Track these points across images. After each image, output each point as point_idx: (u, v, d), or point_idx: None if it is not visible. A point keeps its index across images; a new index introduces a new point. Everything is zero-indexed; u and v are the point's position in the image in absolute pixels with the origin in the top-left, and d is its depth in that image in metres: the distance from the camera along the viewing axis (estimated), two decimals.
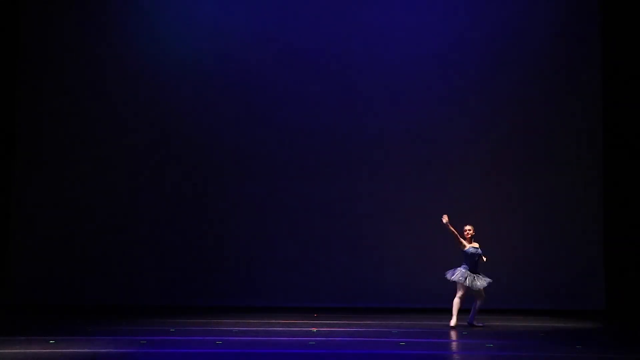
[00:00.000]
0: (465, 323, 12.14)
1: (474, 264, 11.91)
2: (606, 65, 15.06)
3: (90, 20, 15.40)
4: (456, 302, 11.91)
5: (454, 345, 10.57)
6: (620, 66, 14.91)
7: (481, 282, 11.90)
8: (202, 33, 15.36)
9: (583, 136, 15.13)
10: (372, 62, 15.27)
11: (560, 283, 14.84)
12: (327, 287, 14.97)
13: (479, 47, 15.26)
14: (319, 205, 15.13)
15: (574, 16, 15.27)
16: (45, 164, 15.24)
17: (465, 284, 11.79)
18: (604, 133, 15.02)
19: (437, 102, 15.21)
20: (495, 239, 14.57)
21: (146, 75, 15.31)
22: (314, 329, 11.57)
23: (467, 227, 12.02)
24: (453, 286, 12.03)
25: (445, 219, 11.86)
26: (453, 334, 11.31)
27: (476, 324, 12.06)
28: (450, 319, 11.90)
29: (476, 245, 12.02)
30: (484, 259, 12.06)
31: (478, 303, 12.03)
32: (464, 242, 11.94)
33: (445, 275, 12.03)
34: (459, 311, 11.95)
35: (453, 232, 11.89)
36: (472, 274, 11.89)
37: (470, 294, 12.03)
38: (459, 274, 11.88)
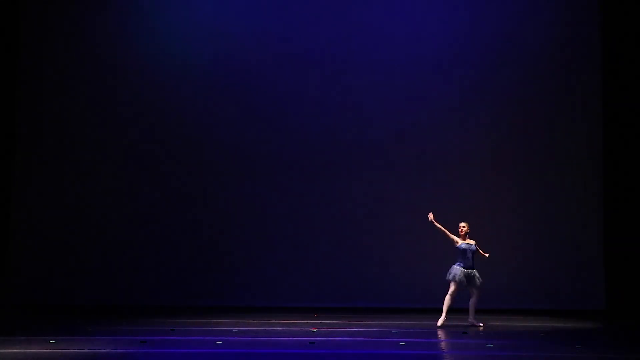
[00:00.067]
0: (460, 323, 12.17)
1: (467, 260, 11.92)
2: (606, 65, 15.06)
3: (90, 20, 15.40)
4: (447, 299, 11.95)
5: (454, 345, 10.56)
6: (620, 66, 14.91)
7: (478, 280, 11.90)
8: (202, 33, 15.36)
9: (583, 136, 15.13)
10: (372, 62, 15.27)
11: (560, 283, 14.85)
12: (327, 287, 14.97)
13: (479, 47, 15.26)
14: (319, 205, 15.14)
15: (574, 16, 15.27)
16: (45, 164, 15.24)
17: (463, 282, 11.81)
18: (604, 133, 15.02)
19: (437, 102, 15.21)
20: (495, 239, 14.58)
21: (146, 75, 15.32)
22: (314, 329, 11.57)
23: (462, 224, 12.07)
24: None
25: (430, 216, 12.00)
26: (449, 334, 11.30)
27: (476, 324, 12.07)
28: (439, 317, 11.98)
29: (470, 241, 12.02)
30: (486, 255, 12.08)
31: (474, 299, 12.02)
32: (455, 238, 11.99)
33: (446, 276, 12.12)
34: (448, 310, 11.97)
35: (440, 228, 11.99)
36: (468, 271, 11.88)
37: (463, 290, 12.05)
38: (454, 272, 11.90)
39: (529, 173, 15.08)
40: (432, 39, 15.27)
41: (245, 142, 15.24)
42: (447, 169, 15.06)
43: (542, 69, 15.19)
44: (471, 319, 12.13)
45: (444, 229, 12.04)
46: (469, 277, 11.91)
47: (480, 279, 12.01)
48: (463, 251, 11.94)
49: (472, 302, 12.10)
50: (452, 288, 11.92)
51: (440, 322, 11.94)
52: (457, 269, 11.92)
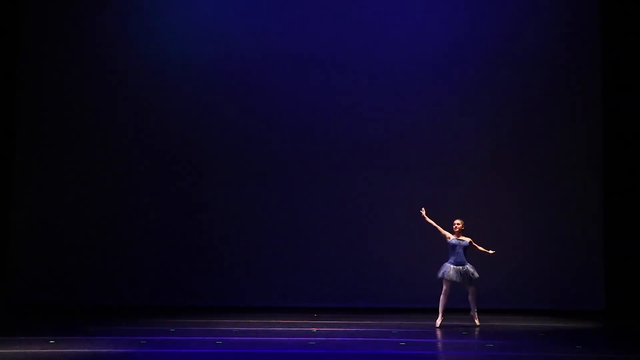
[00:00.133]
0: (460, 323, 12.18)
1: (457, 255, 11.90)
2: (606, 65, 15.05)
3: (91, 20, 15.40)
4: (441, 298, 11.94)
5: (454, 345, 10.56)
6: (620, 66, 14.91)
7: (471, 276, 11.83)
8: (202, 33, 15.36)
9: (583, 136, 15.13)
10: (372, 62, 15.27)
11: (560, 283, 14.84)
12: (327, 287, 14.97)
13: (479, 47, 15.26)
14: (319, 205, 15.14)
15: (574, 16, 15.27)
16: (45, 164, 15.23)
17: (455, 278, 11.78)
18: (604, 133, 15.02)
19: (437, 102, 15.20)
20: (495, 239, 14.53)
21: (146, 75, 15.32)
22: (314, 329, 11.57)
23: (456, 221, 12.08)
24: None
25: (422, 211, 12.10)
26: (449, 334, 11.30)
27: (474, 319, 12.01)
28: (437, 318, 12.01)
29: (464, 238, 11.98)
30: (489, 252, 12.03)
31: (471, 296, 11.97)
32: (447, 234, 12.00)
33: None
34: (447, 310, 11.96)
35: (431, 224, 12.06)
36: (459, 267, 11.85)
37: (460, 288, 12.04)
38: (443, 270, 11.91)
39: (529, 173, 15.08)
40: (432, 39, 15.27)
41: (245, 142, 15.24)
42: (447, 169, 15.06)
43: (542, 69, 15.18)
44: (472, 313, 12.10)
45: (435, 224, 12.10)
46: (460, 273, 11.85)
47: (474, 274, 11.88)
48: (452, 247, 11.97)
49: (470, 298, 12.05)
50: (444, 286, 11.94)
51: (438, 322, 11.94)
52: (446, 266, 11.94)
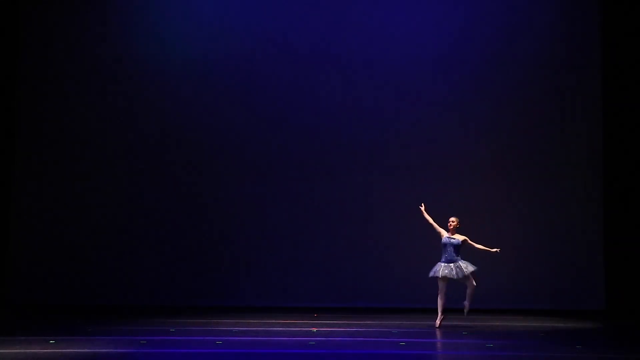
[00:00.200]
0: (460, 323, 12.20)
1: (448, 253, 11.85)
2: (606, 65, 15.05)
3: (91, 20, 15.41)
4: (439, 298, 11.89)
5: (454, 345, 10.56)
6: (620, 66, 14.91)
7: (464, 270, 11.76)
8: (203, 33, 15.37)
9: (583, 136, 15.13)
10: (372, 62, 15.27)
11: (560, 283, 14.84)
12: (327, 287, 14.97)
13: (479, 47, 15.26)
14: (319, 205, 15.14)
15: (574, 16, 15.27)
16: (45, 164, 15.24)
17: (447, 275, 11.74)
18: (604, 133, 15.02)
19: (437, 102, 15.21)
20: (496, 239, 14.51)
21: (146, 75, 15.32)
22: (314, 329, 11.57)
23: (451, 219, 12.03)
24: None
25: (422, 207, 12.12)
26: (449, 334, 11.30)
27: (465, 306, 11.93)
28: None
29: (456, 236, 11.93)
30: (491, 250, 11.93)
31: (469, 290, 11.88)
32: (441, 232, 11.97)
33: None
34: (447, 310, 11.93)
35: (428, 220, 12.07)
36: (450, 264, 11.81)
37: (458, 286, 12.02)
38: (435, 268, 11.88)
39: (529, 173, 15.08)
40: (432, 38, 15.27)
41: (245, 142, 15.25)
42: (447, 169, 15.06)
43: (542, 69, 15.18)
44: (464, 302, 11.99)
45: (432, 221, 12.08)
46: (451, 270, 11.79)
47: (467, 267, 11.73)
48: (444, 245, 11.94)
49: (468, 292, 11.92)
50: (439, 285, 11.91)
51: (437, 322, 11.91)
52: (437, 265, 11.90)
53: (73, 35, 15.40)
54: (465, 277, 11.76)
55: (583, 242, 14.93)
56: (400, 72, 15.25)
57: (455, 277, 11.76)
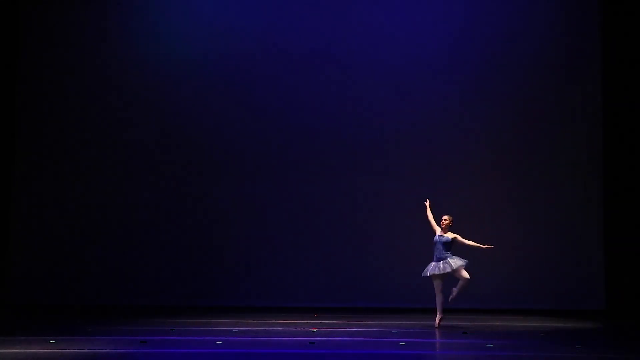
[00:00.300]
0: (460, 323, 12.19)
1: (437, 251, 11.83)
2: (606, 65, 15.05)
3: (90, 20, 15.41)
4: (436, 297, 11.88)
5: (454, 345, 10.56)
6: (620, 66, 14.91)
7: (452, 264, 11.70)
8: (202, 33, 15.37)
9: (583, 136, 15.12)
10: (372, 62, 15.27)
11: (560, 283, 14.83)
12: (327, 287, 14.97)
13: (479, 47, 15.25)
14: (319, 205, 15.14)
15: (574, 16, 15.27)
16: (45, 164, 15.24)
17: (437, 273, 11.72)
18: (604, 133, 15.02)
19: (436, 102, 15.20)
20: (495, 239, 14.49)
21: (146, 75, 15.32)
22: (314, 329, 11.57)
23: (444, 217, 12.01)
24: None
25: (427, 202, 12.19)
26: (449, 334, 11.30)
27: (453, 294, 11.88)
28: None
29: (448, 235, 11.90)
30: (483, 247, 11.83)
31: (461, 282, 11.74)
32: (436, 229, 11.97)
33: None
34: (444, 310, 11.89)
35: (429, 216, 12.10)
36: (439, 262, 11.80)
37: (455, 283, 12.01)
38: (426, 268, 11.88)
39: (529, 173, 15.07)
40: (432, 38, 15.27)
41: (245, 142, 15.25)
42: (447, 169, 15.06)
43: (542, 69, 15.18)
44: (454, 288, 11.91)
45: (431, 218, 12.10)
46: (440, 266, 11.76)
47: (457, 261, 11.66)
48: (434, 243, 11.95)
49: (460, 283, 11.78)
50: (434, 284, 11.89)
51: (437, 322, 11.89)
52: (430, 264, 11.91)
53: (73, 35, 15.40)
54: (455, 271, 11.69)
55: (583, 242, 14.93)
56: (400, 72, 15.25)
57: (442, 272, 11.72)
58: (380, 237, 15.00)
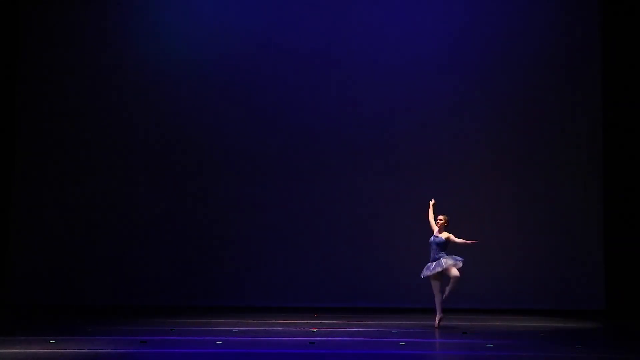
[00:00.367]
0: (460, 323, 12.19)
1: (432, 251, 11.82)
2: (606, 65, 15.05)
3: (90, 20, 15.41)
4: (435, 297, 11.87)
5: (454, 345, 10.56)
6: (620, 66, 14.91)
7: (442, 263, 11.65)
8: (202, 33, 15.37)
9: (583, 136, 15.12)
10: (372, 62, 15.27)
11: (560, 283, 14.83)
12: (327, 287, 14.97)
13: (479, 47, 15.26)
14: (319, 205, 15.14)
15: (574, 16, 15.27)
16: (45, 164, 15.24)
17: (434, 272, 11.71)
18: (604, 133, 15.02)
19: (437, 102, 15.20)
20: (496, 239, 14.59)
21: (146, 75, 15.32)
22: (314, 329, 11.57)
23: (439, 217, 11.99)
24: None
25: (432, 201, 12.18)
26: (449, 334, 11.30)
27: (445, 293, 11.80)
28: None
29: (442, 235, 11.88)
30: (470, 242, 11.74)
31: (451, 282, 11.67)
32: (434, 229, 11.96)
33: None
34: (443, 309, 11.87)
35: (429, 215, 12.08)
36: (432, 263, 11.79)
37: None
38: (423, 269, 11.88)
39: (529, 173, 15.07)
40: (432, 38, 15.28)
41: (244, 143, 15.25)
42: (447, 169, 15.05)
43: (542, 69, 15.18)
44: (446, 287, 11.83)
45: (432, 219, 12.06)
46: (432, 266, 11.76)
47: (448, 261, 11.60)
48: (430, 244, 11.94)
49: (450, 283, 11.79)
50: (432, 284, 11.89)
51: (436, 321, 11.87)
52: (426, 265, 11.91)
53: (73, 35, 15.40)
54: (445, 270, 11.66)
55: (583, 243, 14.93)
56: (400, 72, 15.25)
57: (433, 272, 11.71)
58: (380, 237, 14.99)
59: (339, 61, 15.30)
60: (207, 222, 15.17)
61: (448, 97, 15.20)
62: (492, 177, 15.07)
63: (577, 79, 15.17)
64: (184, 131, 15.27)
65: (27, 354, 9.06)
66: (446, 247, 11.82)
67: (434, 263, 11.77)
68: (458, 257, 11.73)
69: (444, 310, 11.89)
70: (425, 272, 11.82)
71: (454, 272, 11.64)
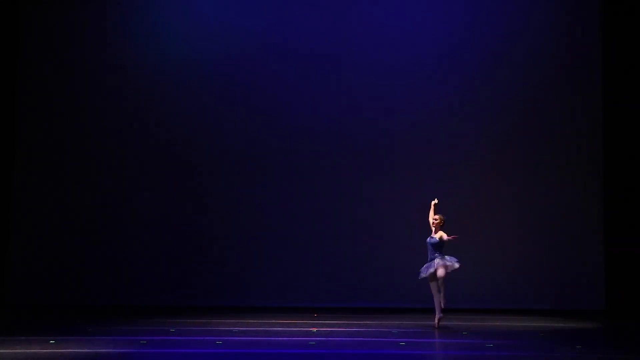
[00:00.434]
0: (460, 323, 12.18)
1: (430, 252, 11.79)
2: (606, 65, 15.05)
3: (90, 20, 15.41)
4: (434, 297, 11.86)
5: (454, 345, 10.56)
6: (620, 66, 14.91)
7: (434, 263, 11.64)
8: (202, 33, 15.37)
9: (583, 136, 15.12)
10: (372, 62, 15.27)
11: (560, 283, 14.83)
12: (327, 287, 14.97)
13: (479, 47, 15.26)
14: (319, 205, 15.13)
15: (574, 16, 15.27)
16: (45, 164, 15.24)
17: (430, 272, 11.71)
18: (604, 133, 15.02)
19: (437, 102, 15.20)
20: (496, 239, 14.60)
21: (146, 75, 15.32)
22: (314, 329, 11.57)
23: (434, 217, 11.98)
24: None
25: (435, 200, 12.12)
26: (449, 334, 11.30)
27: (441, 301, 11.82)
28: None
29: (435, 235, 11.85)
30: (450, 238, 11.64)
31: (439, 285, 11.66)
32: (432, 229, 11.95)
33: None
34: (443, 309, 11.84)
35: (430, 216, 12.05)
36: (428, 264, 11.78)
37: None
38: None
39: (529, 173, 15.07)
40: (432, 38, 15.28)
41: (245, 143, 15.25)
42: (447, 169, 15.05)
43: (542, 69, 15.18)
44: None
45: (431, 219, 12.03)
46: (425, 267, 11.77)
47: (438, 262, 11.59)
48: (426, 245, 11.93)
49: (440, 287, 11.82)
50: (430, 284, 11.87)
51: (436, 321, 11.85)
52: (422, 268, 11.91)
53: (73, 35, 15.40)
54: (436, 270, 11.66)
55: (583, 242, 14.93)
56: (400, 72, 15.25)
57: (427, 274, 11.71)
58: (380, 237, 14.99)
59: (339, 61, 15.31)
60: (207, 222, 15.17)
61: (448, 97, 15.20)
62: (492, 177, 15.07)
63: (577, 79, 15.17)
64: (184, 131, 15.27)
65: (27, 354, 9.06)
66: (442, 247, 11.77)
67: (428, 264, 11.78)
68: (452, 258, 11.71)
69: (443, 310, 11.88)
70: (421, 274, 11.83)
71: (440, 272, 11.64)
